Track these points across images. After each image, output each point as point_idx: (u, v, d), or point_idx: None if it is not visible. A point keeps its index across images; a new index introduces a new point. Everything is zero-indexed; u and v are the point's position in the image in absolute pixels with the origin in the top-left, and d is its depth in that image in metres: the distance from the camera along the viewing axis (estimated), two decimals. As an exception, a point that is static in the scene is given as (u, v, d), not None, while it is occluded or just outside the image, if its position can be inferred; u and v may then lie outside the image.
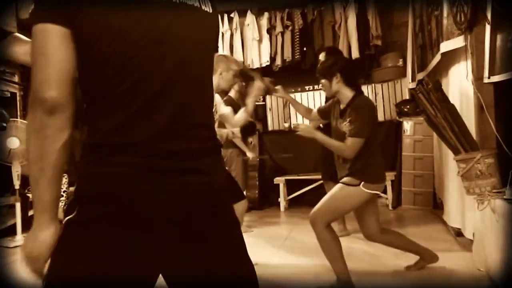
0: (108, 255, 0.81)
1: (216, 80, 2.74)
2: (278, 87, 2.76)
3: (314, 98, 5.64)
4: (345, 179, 2.36)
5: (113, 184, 0.80)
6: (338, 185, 2.38)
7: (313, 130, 2.50)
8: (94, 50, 0.79)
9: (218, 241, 0.90)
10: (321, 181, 4.27)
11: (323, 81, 2.41)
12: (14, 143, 3.93)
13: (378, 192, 2.37)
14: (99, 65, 0.80)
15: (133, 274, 0.82)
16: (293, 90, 5.59)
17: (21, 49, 1.16)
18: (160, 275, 0.90)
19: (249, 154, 3.93)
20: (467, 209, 2.97)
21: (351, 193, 2.32)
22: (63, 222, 0.84)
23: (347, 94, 2.37)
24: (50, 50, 0.77)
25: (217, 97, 2.76)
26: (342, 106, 2.43)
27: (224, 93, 3.02)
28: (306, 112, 2.90)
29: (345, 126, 2.33)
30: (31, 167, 0.80)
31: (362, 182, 2.29)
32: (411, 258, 2.65)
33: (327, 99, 4.14)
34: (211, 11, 0.92)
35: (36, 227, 0.83)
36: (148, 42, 0.81)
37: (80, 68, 0.81)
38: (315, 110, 2.80)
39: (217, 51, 1.08)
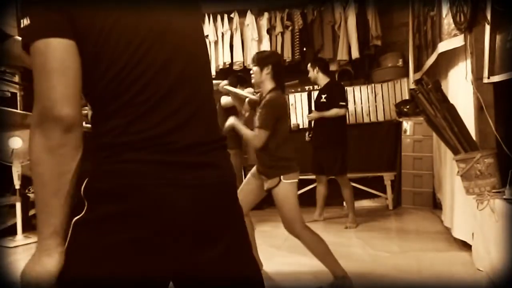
0: (125, 253, 0.78)
1: None
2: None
3: (314, 98, 5.65)
4: (267, 185, 2.48)
5: (128, 180, 0.78)
6: (274, 193, 2.47)
7: (232, 120, 2.59)
8: (102, 53, 0.78)
9: (232, 236, 0.90)
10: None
11: (255, 68, 2.53)
12: (16, 143, 3.93)
13: (296, 180, 2.44)
14: (108, 67, 0.79)
15: (151, 270, 0.80)
16: (293, 90, 5.59)
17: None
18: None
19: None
20: (456, 209, 2.99)
21: (284, 190, 2.41)
22: (72, 223, 0.80)
23: (268, 86, 2.50)
24: (60, 66, 0.74)
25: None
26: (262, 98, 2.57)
27: None
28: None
29: (256, 117, 2.47)
30: (41, 189, 0.76)
31: (282, 176, 2.38)
32: (411, 258, 2.65)
33: (320, 91, 4.22)
34: (199, 6, 0.95)
35: (43, 252, 0.76)
36: (156, 38, 0.82)
37: (86, 73, 0.79)
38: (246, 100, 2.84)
39: None
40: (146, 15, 0.82)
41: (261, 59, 2.53)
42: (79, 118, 0.77)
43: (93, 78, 0.80)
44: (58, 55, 0.74)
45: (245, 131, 2.47)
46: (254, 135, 2.41)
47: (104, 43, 0.78)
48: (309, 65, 4.29)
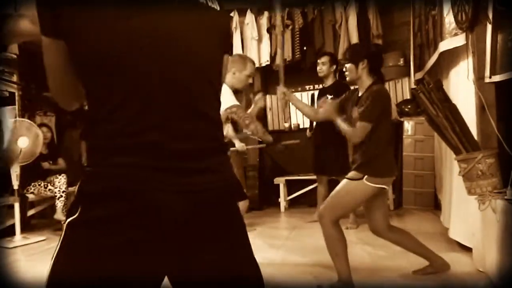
0: (115, 255, 0.78)
1: (229, 79, 2.82)
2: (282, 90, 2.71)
3: (314, 97, 5.63)
4: (349, 174, 2.33)
5: (119, 183, 0.78)
6: (344, 180, 2.35)
7: (334, 113, 2.44)
8: (94, 53, 0.78)
9: (227, 241, 0.89)
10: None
11: (348, 65, 2.38)
12: (24, 142, 3.93)
13: (384, 186, 2.30)
14: (100, 68, 0.79)
15: (140, 273, 0.80)
16: (293, 90, 5.57)
17: (24, 23, 1.18)
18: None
19: (238, 145, 3.97)
20: (454, 210, 2.97)
21: (355, 188, 2.27)
22: (65, 224, 0.81)
23: (367, 81, 2.35)
24: (51, 63, 0.84)
25: (227, 90, 2.78)
26: (360, 93, 2.41)
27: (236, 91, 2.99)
28: (315, 112, 2.82)
29: (357, 111, 2.31)
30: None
31: (366, 176, 2.24)
32: (412, 259, 2.63)
33: (320, 92, 4.18)
34: (218, 8, 0.91)
35: None
36: (147, 41, 0.80)
37: (81, 71, 0.82)
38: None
39: (229, 49, 1.03)
40: (148, 18, 0.80)
41: (354, 54, 2.36)
42: (76, 101, 0.92)
43: (89, 77, 0.81)
44: (49, 53, 0.83)
45: (344, 126, 2.31)
46: (354, 130, 2.25)
47: (97, 42, 0.78)
48: (324, 58, 4.12)
